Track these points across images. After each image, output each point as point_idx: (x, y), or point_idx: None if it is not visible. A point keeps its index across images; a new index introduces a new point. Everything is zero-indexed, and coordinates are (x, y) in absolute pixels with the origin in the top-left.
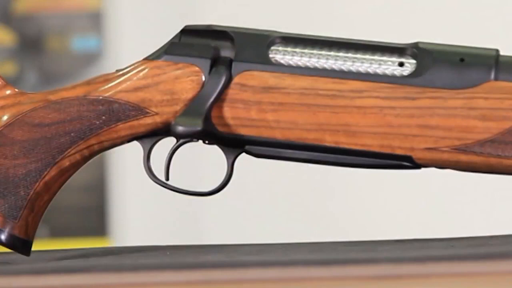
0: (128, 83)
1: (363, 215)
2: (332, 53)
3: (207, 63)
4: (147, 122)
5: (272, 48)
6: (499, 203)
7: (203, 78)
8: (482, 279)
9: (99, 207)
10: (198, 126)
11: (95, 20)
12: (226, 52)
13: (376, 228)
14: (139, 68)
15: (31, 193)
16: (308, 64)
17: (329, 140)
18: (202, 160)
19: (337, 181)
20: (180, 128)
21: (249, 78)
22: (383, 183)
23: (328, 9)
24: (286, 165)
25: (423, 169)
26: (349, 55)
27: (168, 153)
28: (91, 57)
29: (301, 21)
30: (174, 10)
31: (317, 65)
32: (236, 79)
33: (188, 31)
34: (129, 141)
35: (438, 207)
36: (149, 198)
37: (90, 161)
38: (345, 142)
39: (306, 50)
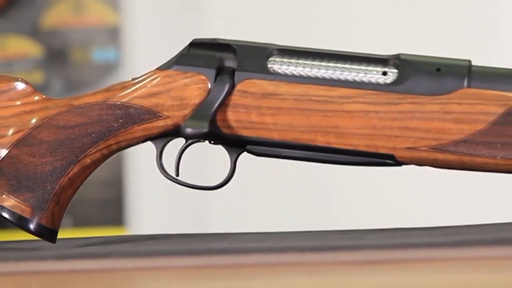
0: (143, 90)
1: (351, 207)
2: (323, 63)
3: (212, 72)
4: (160, 124)
5: (270, 59)
6: (471, 197)
7: (209, 86)
8: (455, 263)
9: (117, 200)
10: (204, 128)
11: (113, 35)
12: (230, 63)
13: (363, 219)
14: (152, 77)
15: (57, 187)
16: (302, 73)
17: (321, 141)
18: (208, 159)
19: (329, 178)
20: (188, 130)
21: (250, 86)
22: (370, 180)
23: (322, 22)
24: (284, 163)
25: (404, 167)
26: (338, 65)
27: (178, 152)
28: (110, 67)
29: (297, 33)
30: (183, 25)
31: (310, 74)
32: (238, 87)
33: (195, 44)
34: (143, 141)
35: (417, 201)
36: (161, 192)
37: (109, 159)
38: (335, 142)
39: (300, 61)
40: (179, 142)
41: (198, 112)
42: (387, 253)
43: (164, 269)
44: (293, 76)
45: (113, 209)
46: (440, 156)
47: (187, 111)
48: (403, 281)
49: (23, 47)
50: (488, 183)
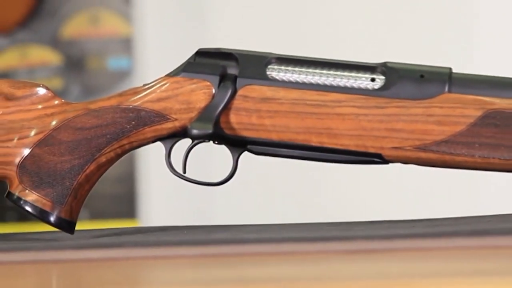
0: (153, 95)
1: (342, 202)
2: (317, 70)
3: (216, 79)
4: (168, 126)
5: (269, 66)
6: (451, 193)
7: (213, 91)
8: (437, 252)
9: (129, 194)
10: (209, 129)
11: (126, 44)
12: (232, 70)
13: (352, 212)
14: (162, 83)
15: (75, 183)
16: (298, 79)
17: (315, 141)
18: (212, 157)
19: (322, 175)
20: (194, 131)
21: (250, 91)
22: (360, 177)
23: (316, 33)
24: (281, 161)
25: (390, 165)
26: (331, 72)
27: (185, 151)
28: (123, 74)
29: (293, 42)
30: (189, 36)
31: (305, 80)
32: (240, 92)
33: (201, 53)
34: (153, 141)
35: (403, 196)
36: (169, 188)
37: (122, 157)
38: (328, 142)
39: (296, 68)
40: (186, 142)
41: (203, 115)
42: (374, 243)
43: (172, 258)
44: (290, 82)
45: (125, 203)
46: (423, 155)
47: (193, 114)
48: (389, 269)
49: (44, 56)
50: (467, 180)
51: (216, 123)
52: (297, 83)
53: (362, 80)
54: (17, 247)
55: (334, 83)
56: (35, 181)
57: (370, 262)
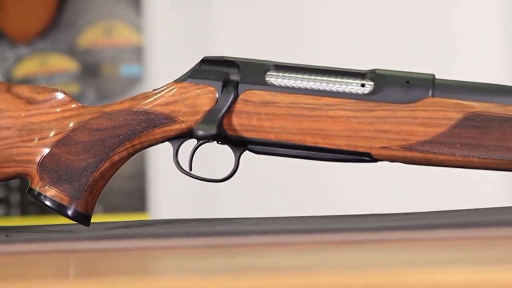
0: (162, 99)
1: (335, 197)
2: (311, 76)
3: (220, 84)
4: (176, 127)
5: (268, 73)
6: (435, 189)
7: (217, 96)
8: (422, 243)
9: (140, 190)
10: (213, 131)
11: (137, 53)
12: (234, 76)
13: (344, 206)
14: (170, 88)
15: (90, 180)
16: (294, 85)
17: (310, 141)
18: (216, 156)
19: (317, 173)
20: (200, 132)
21: (250, 96)
22: (351, 174)
23: (311, 43)
24: (279, 160)
25: (379, 163)
26: (324, 78)
27: (191, 151)
28: (134, 80)
29: (290, 51)
30: (195, 45)
31: (300, 85)
32: (241, 96)
33: (206, 61)
34: (162, 142)
35: (390, 192)
36: (177, 184)
37: (133, 156)
38: (321, 142)
39: (292, 75)
40: (192, 142)
41: (208, 117)
42: (364, 235)
43: (179, 248)
44: (287, 87)
45: (137, 198)
46: (408, 154)
47: (198, 117)
48: (378, 258)
49: (62, 63)
50: (449, 177)
51: (220, 125)
52: (293, 88)
53: (353, 86)
54: (37, 238)
55: (327, 88)
56: (54, 177)
57: (360, 252)
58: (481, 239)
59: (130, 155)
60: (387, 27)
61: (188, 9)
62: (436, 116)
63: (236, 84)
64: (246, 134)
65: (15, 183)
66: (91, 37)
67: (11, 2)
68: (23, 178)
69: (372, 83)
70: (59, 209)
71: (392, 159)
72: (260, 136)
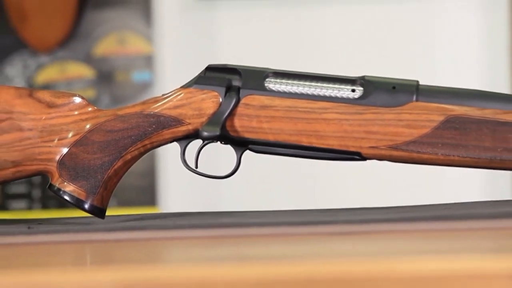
0: (170, 103)
1: (328, 192)
2: (307, 83)
3: (223, 90)
4: (183, 129)
5: (267, 79)
6: (418, 185)
7: (220, 100)
8: (406, 234)
9: (151, 186)
10: (217, 132)
11: (148, 61)
12: (236, 82)
13: (336, 201)
14: (177, 93)
15: (105, 177)
16: (291, 90)
17: (305, 141)
18: (220, 155)
19: (312, 170)
20: (205, 133)
21: (251, 100)
22: (342, 171)
23: (306, 52)
24: (278, 158)
25: (368, 161)
26: (318, 84)
27: (197, 150)
28: (145, 86)
29: (287, 60)
30: (200, 54)
31: (297, 91)
32: (242, 101)
33: (210, 68)
34: (170, 142)
35: (378, 187)
36: (184, 180)
37: (144, 155)
38: (316, 142)
39: (289, 81)
40: (198, 142)
41: (212, 120)
42: (354, 227)
43: (186, 239)
44: (284, 92)
45: (147, 193)
46: (395, 153)
47: (203, 119)
48: (366, 247)
49: (80, 70)
50: (431, 174)
51: (223, 127)
52: (290, 93)
53: (344, 91)
54: (57, 229)
55: (321, 93)
56: (72, 174)
57: (350, 242)
58: (459, 230)
59: (141, 154)
60: (376, 38)
61: (194, 21)
62: (420, 118)
63: (238, 90)
64: (247, 135)
65: (36, 179)
66: (105, 46)
67: (33, 15)
68: (44, 175)
69: (361, 88)
70: (77, 203)
71: (380, 158)
72: (259, 136)
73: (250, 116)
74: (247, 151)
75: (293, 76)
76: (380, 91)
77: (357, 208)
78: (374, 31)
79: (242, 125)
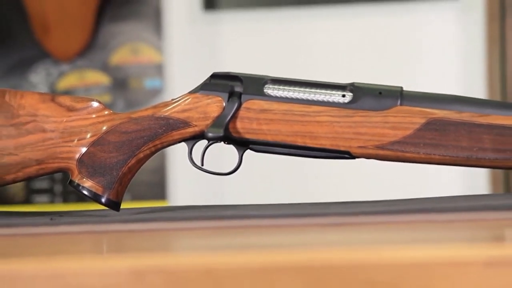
0: (179, 107)
1: (322, 187)
2: (302, 89)
3: (226, 95)
4: (190, 131)
5: (266, 86)
6: (403, 180)
7: (224, 104)
8: (393, 225)
9: (161, 182)
10: (221, 133)
11: (158, 69)
12: (238, 88)
13: (329, 195)
14: (185, 98)
15: (120, 173)
16: (287, 95)
17: (300, 141)
18: (223, 154)
19: (307, 168)
20: (210, 134)
21: (251, 104)
22: (334, 168)
23: (302, 61)
24: (276, 157)
25: (357, 159)
26: (312, 90)
27: (203, 150)
28: (156, 92)
29: (285, 68)
30: (205, 63)
31: (293, 96)
32: (244, 105)
33: (214, 76)
34: (179, 142)
35: (366, 183)
36: (191, 177)
37: (155, 154)
38: (310, 142)
39: (286, 87)
40: (203, 142)
41: (216, 122)
42: (345, 219)
43: (193, 229)
44: (281, 97)
45: (158, 188)
46: (381, 152)
47: (208, 122)
48: (356, 238)
49: (97, 78)
50: (415, 171)
51: (226, 128)
52: (287, 98)
53: (335, 96)
54: (77, 221)
55: (314, 98)
56: (90, 171)
57: (341, 233)
58: (441, 222)
59: (153, 153)
60: (364, 49)
61: (200, 33)
62: (404, 121)
63: (239, 95)
64: (248, 136)
65: (58, 175)
66: (120, 56)
67: (55, 28)
68: (64, 172)
69: (351, 94)
70: (95, 198)
71: (368, 157)
72: (259, 137)
73: (250, 118)
74: (248, 151)
75: (290, 82)
76: (367, 96)
77: (348, 201)
78: (362, 43)
79: (243, 127)
